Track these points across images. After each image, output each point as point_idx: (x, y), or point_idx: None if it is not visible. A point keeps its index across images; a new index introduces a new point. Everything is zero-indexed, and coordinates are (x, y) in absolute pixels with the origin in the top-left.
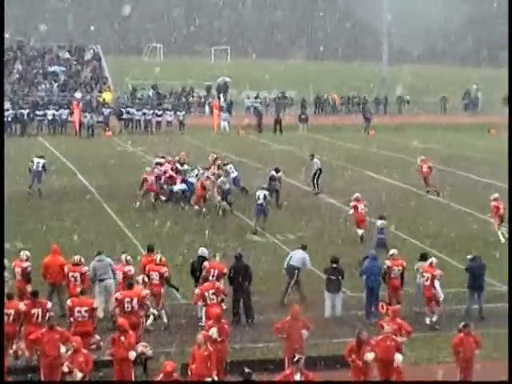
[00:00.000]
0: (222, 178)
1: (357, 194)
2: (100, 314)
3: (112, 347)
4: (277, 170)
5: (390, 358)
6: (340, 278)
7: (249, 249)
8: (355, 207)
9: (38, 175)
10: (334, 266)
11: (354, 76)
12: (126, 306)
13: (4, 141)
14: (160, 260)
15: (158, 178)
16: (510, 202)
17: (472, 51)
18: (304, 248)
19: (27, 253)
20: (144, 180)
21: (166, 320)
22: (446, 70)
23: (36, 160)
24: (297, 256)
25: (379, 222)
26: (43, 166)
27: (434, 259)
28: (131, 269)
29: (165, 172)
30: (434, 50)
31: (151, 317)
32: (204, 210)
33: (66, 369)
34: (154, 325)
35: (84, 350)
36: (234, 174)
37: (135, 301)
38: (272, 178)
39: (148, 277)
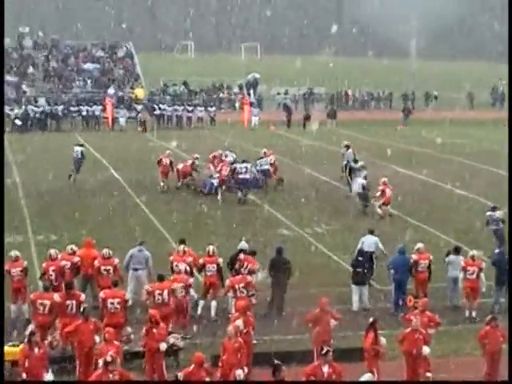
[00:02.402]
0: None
1: (384, 179)
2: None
3: (144, 339)
4: (355, 161)
5: (417, 350)
6: (365, 270)
7: (277, 242)
8: (383, 191)
9: (77, 163)
10: (360, 258)
11: (382, 72)
12: (156, 297)
13: (4, 141)
14: (184, 251)
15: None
16: (509, 199)
17: (498, 47)
18: (372, 232)
19: (73, 246)
20: (159, 161)
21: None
22: (473, 66)
23: (76, 148)
24: (369, 241)
25: (497, 213)
26: (82, 154)
27: (475, 252)
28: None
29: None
30: (460, 46)
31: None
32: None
33: (109, 358)
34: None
35: (115, 342)
36: (266, 167)
37: (166, 293)
38: (355, 169)
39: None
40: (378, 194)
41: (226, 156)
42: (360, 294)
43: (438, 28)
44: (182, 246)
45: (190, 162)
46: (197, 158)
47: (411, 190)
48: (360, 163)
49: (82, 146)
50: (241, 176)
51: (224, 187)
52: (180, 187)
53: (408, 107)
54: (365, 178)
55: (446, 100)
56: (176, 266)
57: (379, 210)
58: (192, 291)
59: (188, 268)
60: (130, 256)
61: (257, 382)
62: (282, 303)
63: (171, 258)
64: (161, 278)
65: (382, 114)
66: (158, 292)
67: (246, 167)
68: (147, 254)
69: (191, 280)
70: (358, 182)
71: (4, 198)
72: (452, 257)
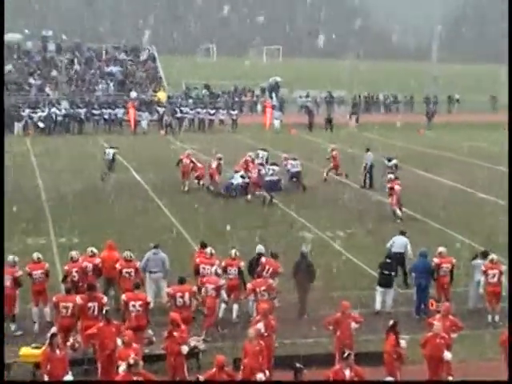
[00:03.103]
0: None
1: (391, 176)
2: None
3: (165, 341)
4: (389, 159)
5: (439, 355)
6: (393, 273)
7: (298, 245)
8: (391, 188)
9: (109, 164)
10: (388, 261)
11: (404, 75)
12: (177, 300)
13: (4, 141)
14: (211, 254)
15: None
16: (509, 200)
17: None
18: (404, 233)
19: (93, 249)
20: (179, 161)
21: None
22: (495, 69)
23: (108, 150)
24: (399, 242)
25: None
26: (113, 156)
27: (494, 256)
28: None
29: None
30: (482, 49)
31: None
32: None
33: (132, 361)
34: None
35: (134, 344)
36: (297, 169)
37: (187, 295)
38: (387, 167)
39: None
40: (388, 191)
41: (257, 156)
42: (384, 297)
43: (459, 31)
44: (209, 249)
45: (215, 163)
46: (220, 159)
47: (433, 193)
48: (393, 161)
49: (113, 148)
50: (268, 178)
51: (254, 189)
52: (206, 188)
53: (431, 111)
54: (396, 177)
55: (468, 103)
56: (203, 268)
57: (398, 212)
58: (223, 293)
59: (219, 270)
60: (147, 259)
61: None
62: (305, 305)
63: (197, 260)
64: (181, 281)
65: (404, 117)
66: (179, 295)
67: (274, 169)
68: (163, 256)
69: (223, 281)
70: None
71: (4, 198)
72: (479, 261)
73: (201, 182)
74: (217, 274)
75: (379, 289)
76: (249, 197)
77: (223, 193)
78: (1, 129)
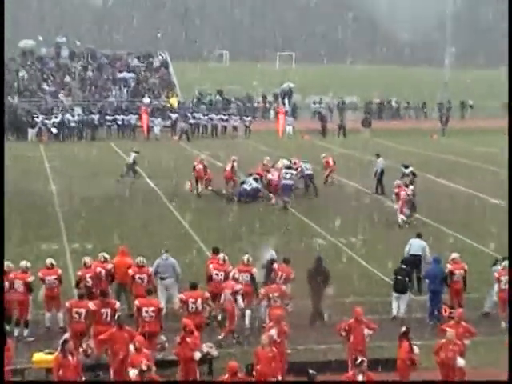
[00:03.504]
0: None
1: (398, 181)
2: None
3: (177, 347)
4: (406, 166)
5: (452, 362)
6: (407, 279)
7: (311, 251)
8: (397, 194)
9: (128, 167)
10: (403, 266)
11: (417, 80)
12: (190, 306)
13: (4, 141)
14: (224, 260)
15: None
16: (510, 204)
17: None
18: (420, 236)
19: (105, 254)
20: (193, 167)
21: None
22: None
23: (131, 154)
24: (416, 244)
25: None
26: (134, 160)
27: (506, 262)
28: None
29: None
30: (495, 54)
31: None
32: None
33: (144, 367)
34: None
35: (145, 350)
36: (309, 171)
37: (199, 301)
38: (404, 174)
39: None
40: (394, 197)
41: (277, 163)
42: (398, 302)
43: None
44: (221, 255)
45: (229, 165)
46: (234, 161)
47: (445, 199)
48: (410, 169)
49: (137, 152)
50: (284, 182)
51: (275, 193)
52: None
53: (445, 116)
54: (411, 183)
55: (481, 109)
56: (216, 274)
57: (400, 218)
58: (239, 299)
59: (237, 275)
60: (157, 266)
61: None
62: (319, 311)
63: (211, 266)
64: (194, 287)
65: (417, 122)
66: (191, 301)
67: (292, 173)
68: (173, 262)
69: (239, 286)
70: (411, 188)
71: (4, 200)
72: (499, 267)
73: (209, 188)
74: (234, 278)
75: (394, 294)
76: (273, 200)
77: (236, 198)
78: (1, 129)
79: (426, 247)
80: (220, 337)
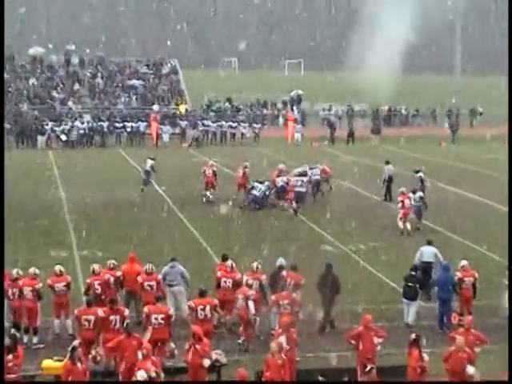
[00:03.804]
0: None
1: (402, 189)
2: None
3: (187, 354)
4: (416, 171)
5: (461, 369)
6: (417, 285)
7: (320, 258)
8: (402, 202)
9: (147, 174)
10: (413, 273)
11: (426, 88)
12: (199, 313)
13: (4, 141)
14: (231, 267)
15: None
16: (510, 208)
17: None
18: (430, 243)
19: (114, 261)
20: (203, 172)
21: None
22: None
23: (148, 161)
24: (428, 251)
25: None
26: (151, 167)
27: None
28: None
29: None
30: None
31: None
32: None
33: (153, 374)
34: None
35: (153, 357)
36: (317, 177)
37: (208, 308)
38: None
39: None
40: (399, 205)
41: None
42: (408, 309)
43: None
44: (229, 262)
45: (241, 172)
46: (246, 167)
47: (455, 207)
48: (420, 174)
49: (153, 159)
50: (296, 189)
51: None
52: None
53: (455, 124)
54: (422, 190)
55: (491, 116)
56: (224, 282)
57: (400, 224)
58: (251, 304)
59: (250, 281)
60: (164, 273)
61: None
62: (328, 318)
63: (218, 273)
64: (202, 294)
65: (426, 130)
66: (200, 308)
67: (302, 181)
68: (180, 269)
69: (251, 292)
70: (418, 194)
71: (4, 203)
72: None
73: (207, 193)
74: (247, 284)
75: (404, 301)
76: (284, 204)
77: (246, 204)
78: (1, 130)
79: (438, 253)
80: (240, 341)
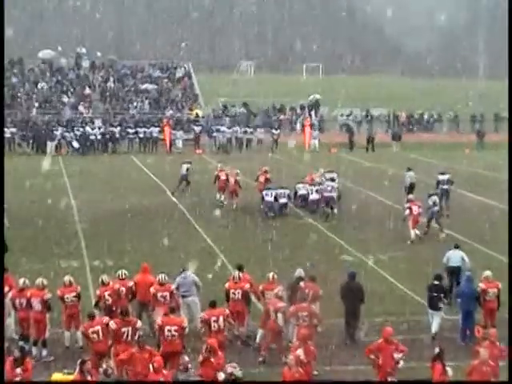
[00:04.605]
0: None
1: (410, 196)
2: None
3: (201, 368)
4: (442, 173)
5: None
6: (441, 295)
7: (339, 269)
8: (409, 208)
9: (183, 177)
10: (436, 283)
11: (448, 92)
12: (212, 325)
13: (4, 142)
14: (239, 278)
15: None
16: (510, 212)
17: None
18: (457, 247)
19: (125, 271)
20: (216, 177)
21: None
22: None
23: (183, 166)
24: (455, 256)
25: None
26: (187, 170)
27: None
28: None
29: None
30: None
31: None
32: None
33: None
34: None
35: (164, 371)
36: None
37: (221, 319)
38: (439, 182)
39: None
40: (407, 212)
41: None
42: (432, 319)
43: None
44: (236, 273)
45: (263, 178)
46: (266, 171)
47: (479, 215)
48: (446, 176)
49: (189, 162)
50: (326, 194)
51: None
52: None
53: (481, 129)
54: (445, 195)
55: None
56: (233, 293)
57: (412, 233)
58: (280, 316)
59: (280, 292)
60: (177, 284)
61: None
62: (355, 331)
63: (226, 285)
64: (213, 305)
65: (449, 136)
66: (213, 319)
67: (332, 186)
68: (193, 279)
69: (281, 304)
70: (433, 199)
71: (4, 206)
72: None
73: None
74: (278, 296)
75: (430, 311)
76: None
77: (264, 210)
78: (1, 130)
79: (465, 257)
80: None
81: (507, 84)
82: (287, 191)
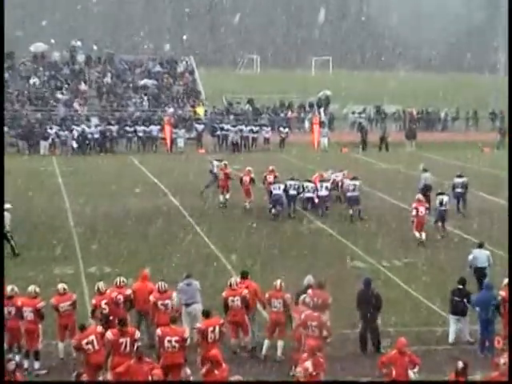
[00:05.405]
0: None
1: (418, 196)
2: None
3: (203, 380)
4: (460, 176)
5: None
6: (465, 300)
7: (352, 275)
8: (416, 209)
9: (214, 177)
10: (460, 287)
11: (466, 88)
12: (209, 336)
13: (4, 142)
14: (236, 284)
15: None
16: (510, 213)
17: None
18: (481, 245)
19: (124, 279)
20: (216, 176)
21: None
22: None
23: (214, 162)
24: (481, 256)
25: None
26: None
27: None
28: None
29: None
30: None
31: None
32: None
33: None
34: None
35: None
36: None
37: (217, 329)
38: (455, 185)
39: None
40: (414, 213)
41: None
42: (458, 326)
43: None
44: (233, 279)
45: (270, 177)
46: (273, 171)
47: (498, 218)
48: (462, 179)
49: (219, 160)
50: (349, 194)
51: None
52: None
53: (502, 127)
54: (462, 197)
55: None
56: (232, 301)
57: (418, 235)
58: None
59: (307, 299)
60: (179, 292)
61: None
62: (378, 338)
63: (223, 294)
64: (207, 314)
65: (466, 134)
66: (210, 329)
67: (355, 184)
68: (196, 285)
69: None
70: (440, 198)
71: (4, 208)
72: None
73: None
74: (304, 303)
75: (452, 317)
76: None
77: (271, 206)
78: (1, 130)
79: (490, 256)
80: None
81: (507, 82)
82: (298, 183)
